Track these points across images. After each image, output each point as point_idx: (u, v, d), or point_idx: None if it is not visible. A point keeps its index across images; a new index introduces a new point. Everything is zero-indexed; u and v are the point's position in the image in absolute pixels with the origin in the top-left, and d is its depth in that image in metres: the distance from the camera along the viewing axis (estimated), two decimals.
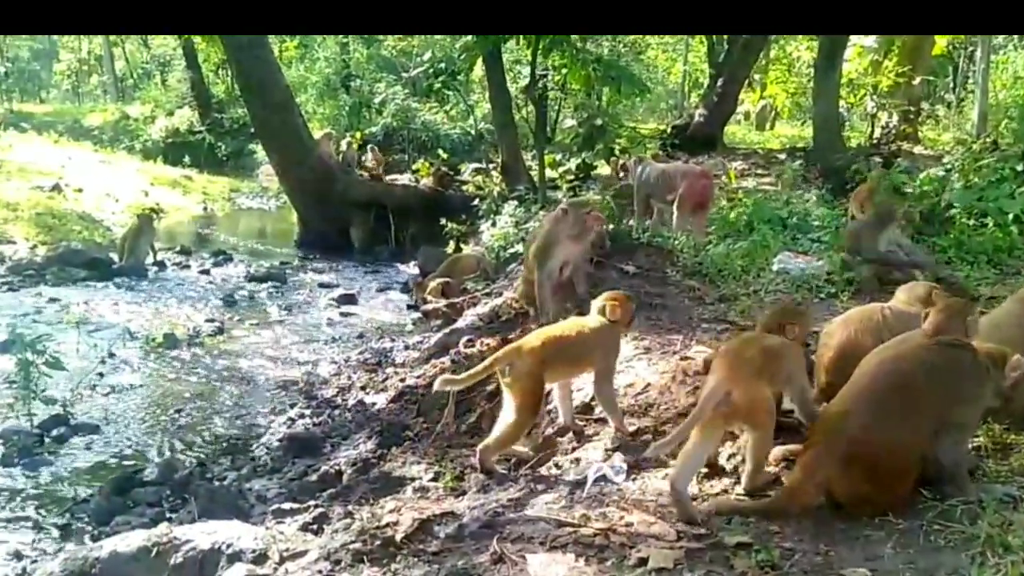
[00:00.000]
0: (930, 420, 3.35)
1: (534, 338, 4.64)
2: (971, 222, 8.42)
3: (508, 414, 4.48)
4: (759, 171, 13.38)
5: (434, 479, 4.87)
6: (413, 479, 5.05)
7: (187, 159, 25.19)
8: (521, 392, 4.41)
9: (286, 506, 5.01)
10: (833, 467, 3.33)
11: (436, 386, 4.76)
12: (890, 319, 4.51)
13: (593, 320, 4.71)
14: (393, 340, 9.68)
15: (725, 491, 3.83)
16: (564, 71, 12.01)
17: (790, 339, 3.98)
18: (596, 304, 4.77)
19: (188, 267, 14.01)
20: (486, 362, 4.57)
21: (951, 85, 27.88)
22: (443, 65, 11.80)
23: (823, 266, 7.51)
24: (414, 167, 15.95)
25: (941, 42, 18.61)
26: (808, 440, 3.59)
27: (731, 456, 4.09)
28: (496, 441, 4.50)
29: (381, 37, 22.58)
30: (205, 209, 21.42)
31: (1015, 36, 25.91)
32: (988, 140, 14.02)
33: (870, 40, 15.57)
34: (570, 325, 4.82)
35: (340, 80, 23.60)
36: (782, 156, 14.36)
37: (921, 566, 3.03)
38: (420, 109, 20.41)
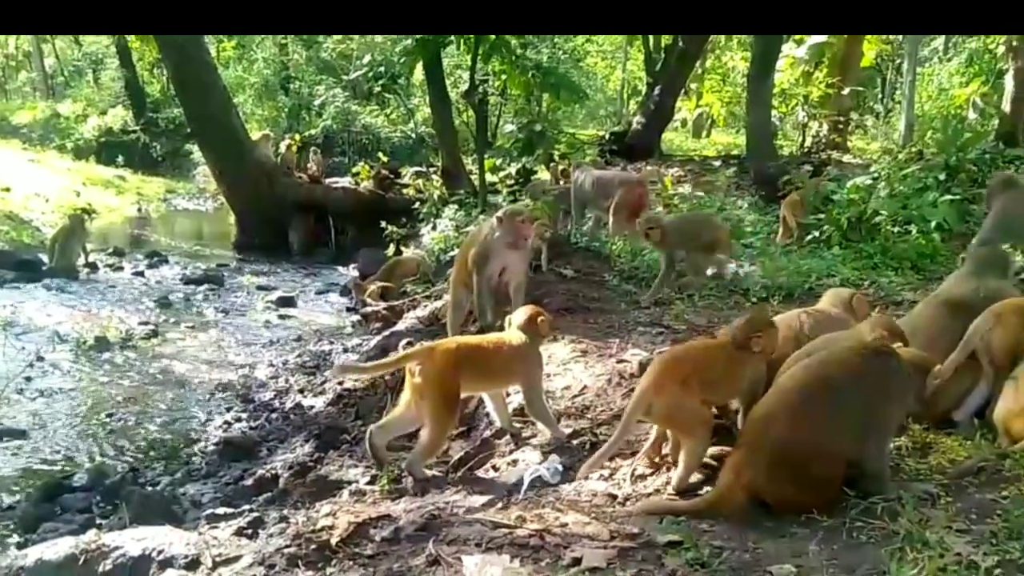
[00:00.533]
0: (854, 424, 3.46)
1: (451, 342, 4.66)
2: (896, 229, 8.68)
3: (425, 419, 4.43)
4: (695, 178, 13.62)
5: (371, 482, 4.86)
6: (350, 482, 5.04)
7: (121, 159, 24.60)
8: (433, 393, 4.36)
9: (220, 511, 4.94)
10: (760, 469, 3.43)
11: (332, 373, 4.72)
12: (807, 324, 4.62)
13: (513, 335, 4.67)
14: (332, 343, 9.63)
15: (658, 491, 3.91)
16: (504, 77, 12.08)
17: (756, 351, 3.99)
18: (516, 319, 4.75)
19: (121, 269, 13.70)
20: (395, 356, 4.58)
21: (880, 96, 28.75)
22: (383, 69, 11.74)
23: (755, 271, 7.69)
24: (354, 170, 15.85)
25: (870, 54, 19.21)
26: (737, 442, 3.69)
27: (666, 456, 4.18)
28: (420, 453, 4.48)
29: (321, 39, 22.38)
30: (140, 210, 20.96)
31: (940, 50, 26.88)
32: (914, 150, 14.52)
33: (801, 51, 15.99)
34: (491, 338, 4.81)
35: (279, 82, 23.29)
36: (717, 163, 14.65)
37: (844, 562, 3.14)
38: (361, 112, 20.30)
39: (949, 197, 9.02)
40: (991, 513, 3.34)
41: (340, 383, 7.38)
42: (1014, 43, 17.60)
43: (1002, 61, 20.39)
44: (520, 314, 4.77)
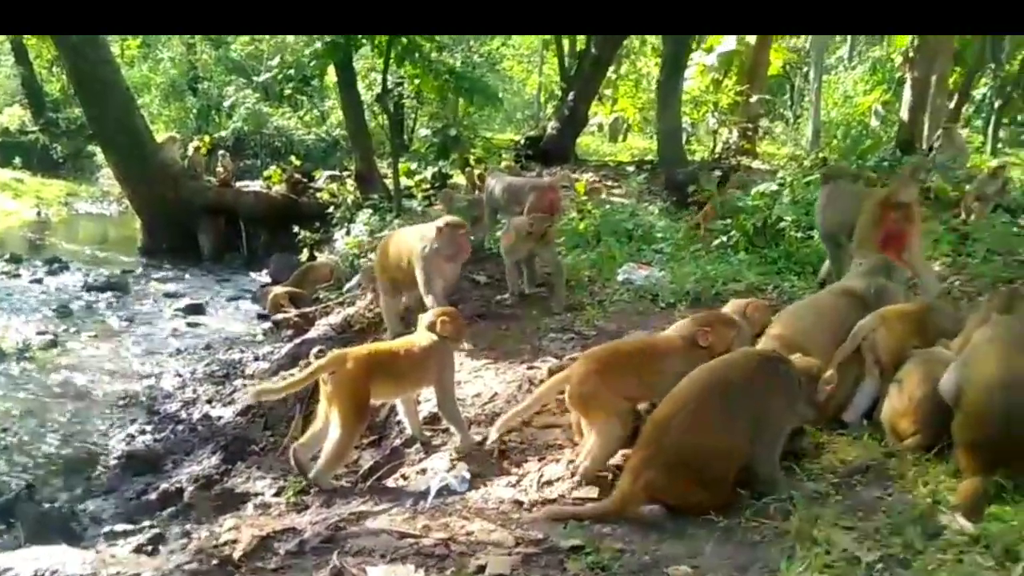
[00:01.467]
0: (747, 426, 3.60)
1: (362, 349, 4.65)
2: (799, 235, 8.95)
3: (333, 428, 4.41)
4: (609, 183, 13.80)
5: (277, 494, 4.80)
6: (257, 494, 4.98)
7: (18, 160, 23.48)
8: (343, 401, 4.35)
9: (120, 528, 4.82)
10: (658, 471, 3.53)
11: (250, 397, 4.67)
12: None
13: (423, 337, 4.68)
14: (243, 351, 9.45)
15: (563, 496, 3.97)
16: (417, 80, 12.04)
17: (703, 345, 4.18)
18: (425, 320, 4.77)
19: (18, 276, 13.08)
20: (308, 369, 4.53)
21: (789, 103, 29.69)
22: (293, 71, 11.55)
23: (664, 277, 7.84)
24: (266, 173, 15.55)
25: (777, 62, 19.83)
26: (636, 445, 3.78)
27: (569, 462, 4.24)
28: (327, 463, 4.44)
29: (230, 38, 21.85)
30: (39, 214, 20.05)
31: (845, 58, 27.92)
32: (818, 156, 15.04)
33: (711, 59, 16.44)
34: (401, 342, 4.82)
35: (187, 82, 22.63)
36: (631, 168, 14.89)
37: (738, 561, 3.25)
38: (273, 114, 19.91)
39: None
40: (877, 510, 3.52)
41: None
42: (911, 54, 18.46)
43: (900, 71, 21.39)
44: (430, 315, 4.78)
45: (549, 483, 4.10)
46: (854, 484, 3.79)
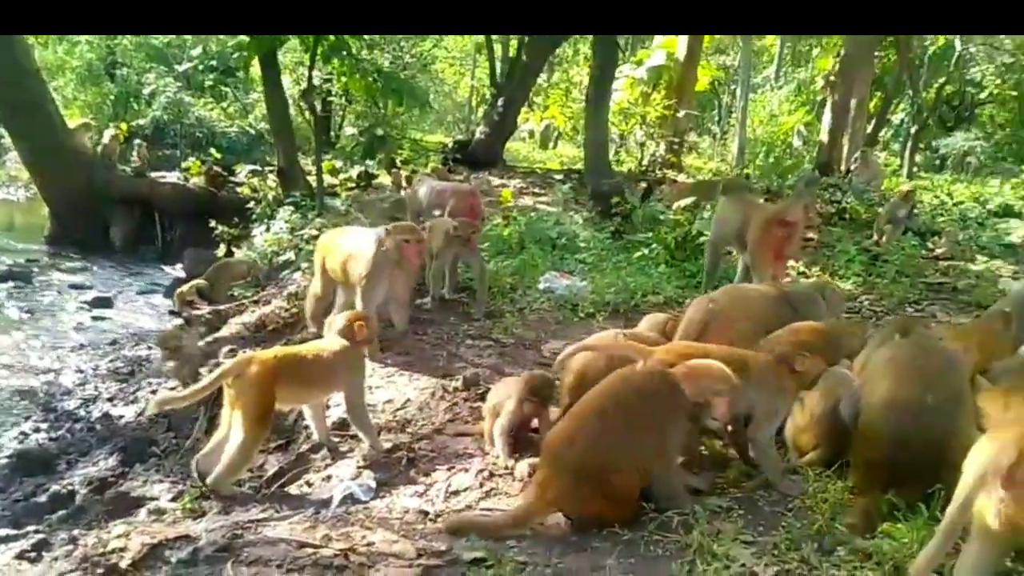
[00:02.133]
0: (644, 440, 3.58)
1: (269, 352, 4.52)
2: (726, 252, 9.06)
3: (236, 433, 4.28)
4: (536, 190, 13.81)
5: (175, 499, 4.61)
6: (153, 499, 4.77)
7: None
8: (247, 405, 4.23)
9: (3, 532, 4.55)
10: (563, 485, 3.49)
11: (151, 408, 4.49)
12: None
13: (334, 342, 4.58)
14: (151, 348, 9.09)
15: (470, 506, 3.91)
16: (344, 79, 11.84)
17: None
18: (337, 324, 4.67)
19: None
20: (214, 375, 4.37)
21: (717, 119, 30.28)
22: (215, 62, 11.22)
23: (586, 287, 7.86)
24: (184, 165, 15.07)
25: (704, 79, 20.17)
26: (541, 459, 3.73)
27: (479, 472, 4.18)
28: (227, 468, 4.30)
29: None
30: None
31: (772, 78, 28.63)
32: (743, 172, 15.35)
33: (640, 72, 16.61)
34: (310, 347, 4.70)
35: (104, 67, 21.77)
36: (559, 177, 14.94)
37: (640, 574, 3.24)
38: (195, 104, 19.32)
39: None
40: (777, 525, 3.56)
41: (154, 391, 7.00)
42: (831, 77, 19.01)
43: (822, 93, 22.02)
44: (340, 320, 4.67)
45: (456, 493, 4.04)
46: (757, 499, 3.83)
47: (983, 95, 30.27)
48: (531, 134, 26.89)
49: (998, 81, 27.97)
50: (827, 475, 3.95)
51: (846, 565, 3.23)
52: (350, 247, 6.34)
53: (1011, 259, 10.03)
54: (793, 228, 6.93)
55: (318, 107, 13.62)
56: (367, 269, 6.06)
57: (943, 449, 3.48)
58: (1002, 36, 25.92)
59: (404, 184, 12.38)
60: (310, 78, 10.54)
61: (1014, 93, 28.68)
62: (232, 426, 4.31)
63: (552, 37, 15.23)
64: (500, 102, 15.73)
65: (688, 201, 10.12)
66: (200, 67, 11.77)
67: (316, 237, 9.27)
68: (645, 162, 16.20)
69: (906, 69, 22.76)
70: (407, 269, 6.20)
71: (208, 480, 4.30)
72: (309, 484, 4.51)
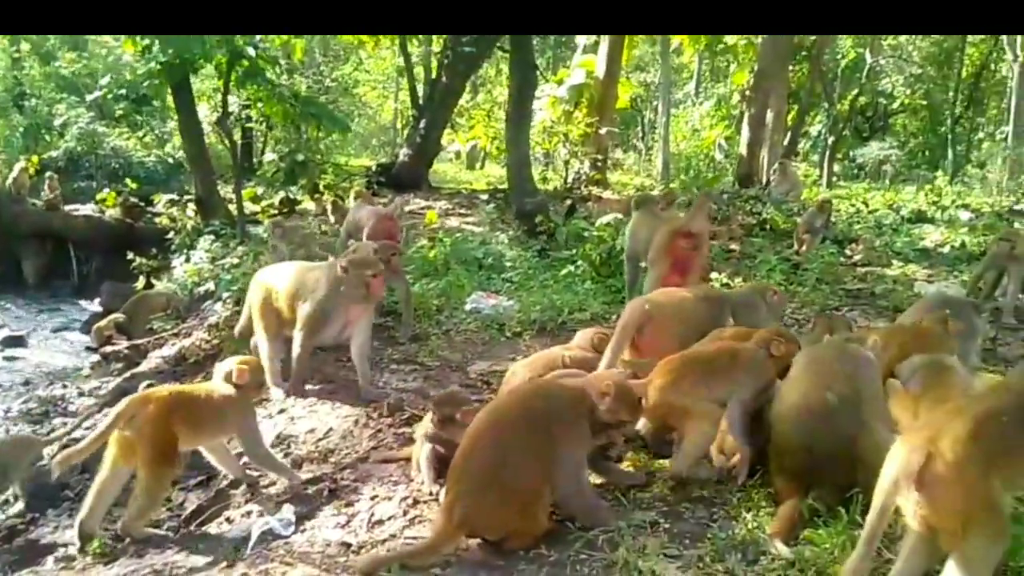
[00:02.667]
0: (541, 457, 3.49)
1: (163, 390, 4.38)
2: (643, 265, 9.12)
3: (141, 476, 4.13)
4: (462, 211, 13.77)
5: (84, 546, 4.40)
6: (63, 545, 4.54)
7: None
8: (147, 446, 4.08)
9: None
10: (468, 508, 3.42)
11: (54, 471, 4.29)
12: (569, 363, 4.79)
13: (221, 386, 4.43)
14: (66, 386, 8.76)
15: (394, 536, 3.82)
16: (261, 104, 11.64)
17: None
18: (223, 368, 4.51)
19: None
20: (109, 418, 4.18)
21: (641, 135, 30.77)
22: (124, 91, 10.92)
23: (512, 306, 7.84)
24: (99, 196, 14.62)
25: (625, 96, 20.48)
26: (447, 483, 3.66)
27: (403, 499, 4.10)
28: (137, 512, 4.14)
29: (58, 53, 20.45)
30: None
31: (692, 93, 29.25)
32: (667, 187, 15.55)
33: (562, 90, 16.78)
34: (202, 387, 4.60)
35: (12, 98, 21.02)
36: (485, 197, 14.93)
37: None
38: (109, 134, 18.78)
39: None
40: (702, 537, 3.55)
41: (69, 433, 6.71)
42: (747, 92, 19.50)
43: (739, 107, 22.58)
44: (228, 363, 4.52)
45: (380, 523, 3.95)
46: (682, 512, 3.82)
47: (895, 105, 31.50)
48: (458, 155, 26.86)
49: (908, 91, 29.13)
50: (751, 484, 3.97)
51: (770, 574, 3.24)
52: (298, 283, 5.82)
53: (925, 263, 10.36)
54: (697, 239, 6.97)
55: (237, 133, 13.33)
56: (318, 307, 5.59)
57: (853, 448, 3.54)
58: (909, 48, 27.07)
59: (329, 209, 12.21)
60: (225, 104, 10.33)
61: (924, 103, 29.91)
62: (116, 471, 4.18)
63: (472, 57, 15.24)
64: (422, 124, 15.65)
65: (611, 217, 10.20)
66: (111, 96, 11.41)
67: (238, 266, 9.11)
68: (570, 180, 16.30)
69: (819, 80, 23.51)
70: (370, 304, 5.76)
71: (118, 525, 4.12)
72: (229, 520, 4.35)
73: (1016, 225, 12.26)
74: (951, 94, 26.00)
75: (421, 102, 16.84)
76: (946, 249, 11.04)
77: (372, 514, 4.00)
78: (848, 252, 10.75)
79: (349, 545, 3.75)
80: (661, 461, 4.30)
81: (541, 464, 3.49)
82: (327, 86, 18.05)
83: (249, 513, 4.27)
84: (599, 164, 17.00)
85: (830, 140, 25.18)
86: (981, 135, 30.02)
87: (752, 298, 5.52)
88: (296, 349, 5.68)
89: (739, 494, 3.91)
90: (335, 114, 13.05)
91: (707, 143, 24.70)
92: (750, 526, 3.60)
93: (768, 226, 12.20)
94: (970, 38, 25.16)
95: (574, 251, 9.52)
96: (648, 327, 4.96)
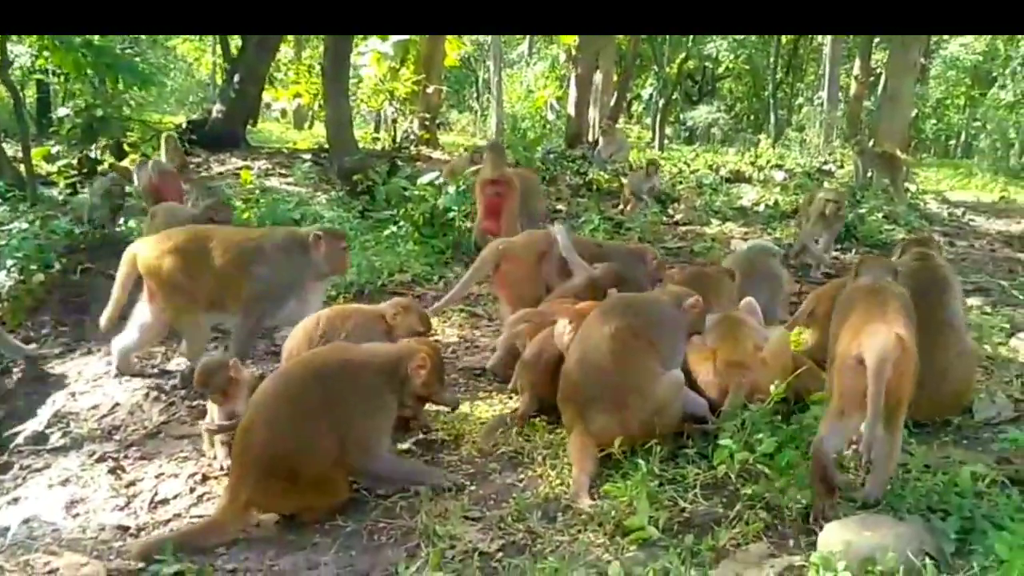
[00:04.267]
0: (331, 423, 3.30)
1: None
2: (468, 225, 9.02)
3: None
4: (283, 171, 13.15)
5: None
6: None
7: None
8: None
9: None
10: (253, 485, 3.22)
11: None
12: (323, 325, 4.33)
13: None
14: None
15: (179, 515, 3.56)
16: (47, 53, 10.55)
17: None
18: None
19: None
20: None
21: (476, 95, 30.60)
22: None
23: None
24: None
25: (452, 54, 20.18)
26: (232, 459, 3.46)
27: (190, 476, 3.82)
28: None
29: None
30: None
31: (526, 54, 29.29)
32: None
33: (387, 46, 16.30)
34: None
35: None
36: (307, 156, 14.36)
37: (360, 567, 3.06)
38: None
39: None
40: (507, 497, 3.49)
41: None
42: (573, 52, 19.69)
43: (565, 68, 22.80)
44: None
45: (165, 502, 3.66)
46: (489, 473, 3.76)
47: (720, 70, 32.87)
48: (283, 113, 25.76)
49: (732, 56, 30.43)
50: (558, 443, 3.95)
51: (570, 530, 3.23)
52: (235, 256, 4.89)
53: (741, 221, 10.86)
54: (501, 186, 7.67)
55: (32, 87, 12.09)
56: (273, 281, 4.90)
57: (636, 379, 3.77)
58: None
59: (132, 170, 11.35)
60: (3, 50, 9.23)
61: (747, 67, 31.37)
62: None
63: None
64: (236, 78, 14.74)
65: (433, 176, 10.02)
66: None
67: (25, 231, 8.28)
68: (399, 139, 15.96)
69: (646, 43, 24.07)
70: (333, 274, 5.29)
71: None
72: None
73: (825, 184, 13.09)
74: (771, 60, 27.29)
75: (235, 55, 15.88)
76: (761, 208, 11.62)
77: (155, 493, 3.71)
78: (670, 211, 11.11)
79: (127, 528, 3.45)
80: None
81: (337, 435, 3.29)
82: (126, 37, 16.68)
83: (17, 500, 3.86)
84: (427, 124, 16.73)
85: (660, 103, 25.95)
86: (800, 100, 31.91)
87: (629, 257, 5.65)
88: (242, 331, 4.98)
89: (546, 451, 3.89)
90: (136, 65, 12.03)
91: (538, 103, 24.85)
92: (554, 484, 3.59)
93: (594, 186, 12.42)
94: None
95: (398, 211, 9.28)
96: (504, 265, 5.50)
